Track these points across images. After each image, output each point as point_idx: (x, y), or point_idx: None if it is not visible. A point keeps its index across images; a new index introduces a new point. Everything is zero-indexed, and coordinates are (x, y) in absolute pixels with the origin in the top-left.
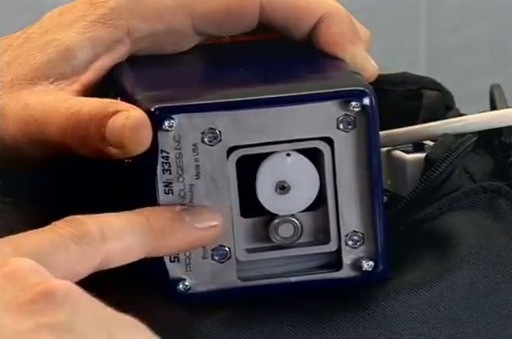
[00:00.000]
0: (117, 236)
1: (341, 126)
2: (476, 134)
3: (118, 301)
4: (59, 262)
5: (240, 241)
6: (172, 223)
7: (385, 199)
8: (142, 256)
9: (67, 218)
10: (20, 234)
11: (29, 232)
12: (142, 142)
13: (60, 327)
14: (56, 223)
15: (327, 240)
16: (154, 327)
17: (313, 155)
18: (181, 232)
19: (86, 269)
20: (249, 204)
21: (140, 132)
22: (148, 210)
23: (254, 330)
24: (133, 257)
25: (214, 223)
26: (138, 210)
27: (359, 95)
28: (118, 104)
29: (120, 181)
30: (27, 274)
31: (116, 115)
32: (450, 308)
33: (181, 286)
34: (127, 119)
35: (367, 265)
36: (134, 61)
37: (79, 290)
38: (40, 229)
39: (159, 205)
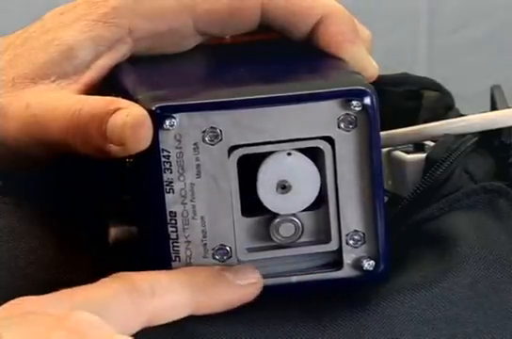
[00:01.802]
0: (166, 292)
1: (342, 126)
2: (477, 134)
3: None
4: (115, 316)
5: (241, 240)
6: (215, 281)
7: (386, 199)
8: (188, 314)
9: (116, 275)
10: (75, 288)
11: (83, 286)
12: (143, 139)
13: None
14: (107, 279)
15: (327, 239)
16: (155, 327)
17: (314, 155)
18: (224, 289)
19: (137, 324)
20: (250, 204)
21: (141, 129)
22: (190, 268)
23: (254, 329)
24: (179, 314)
25: (254, 280)
26: (181, 269)
27: (359, 94)
28: (119, 101)
29: (121, 181)
30: (90, 329)
31: (116, 113)
32: (450, 308)
33: None
34: (128, 116)
35: (368, 264)
36: (135, 61)
37: None
38: (91, 284)
39: (163, 205)
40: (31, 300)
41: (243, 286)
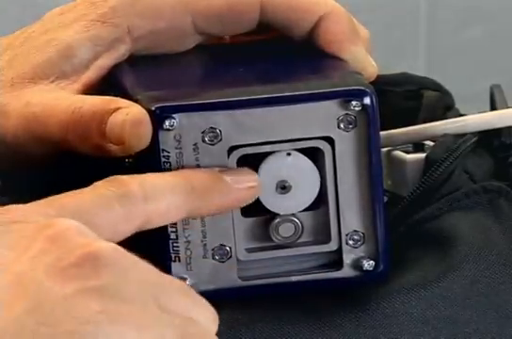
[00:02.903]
0: (159, 197)
1: (341, 126)
2: (476, 134)
3: None
4: (103, 222)
5: (241, 241)
6: (212, 184)
7: (385, 199)
8: (183, 217)
9: (109, 179)
10: (62, 195)
11: (71, 192)
12: (142, 138)
13: (106, 290)
14: (98, 183)
15: (327, 240)
16: None
17: (314, 155)
18: (221, 192)
19: (128, 230)
20: (250, 204)
21: (140, 128)
22: (188, 171)
23: (254, 329)
24: (173, 218)
25: (252, 184)
26: (179, 171)
27: (359, 95)
28: (119, 101)
29: None
30: (72, 236)
31: (116, 112)
32: (450, 308)
33: None
34: (128, 115)
35: (368, 264)
36: (134, 61)
37: (125, 252)
38: (82, 189)
39: None
40: (16, 209)
41: (241, 190)
